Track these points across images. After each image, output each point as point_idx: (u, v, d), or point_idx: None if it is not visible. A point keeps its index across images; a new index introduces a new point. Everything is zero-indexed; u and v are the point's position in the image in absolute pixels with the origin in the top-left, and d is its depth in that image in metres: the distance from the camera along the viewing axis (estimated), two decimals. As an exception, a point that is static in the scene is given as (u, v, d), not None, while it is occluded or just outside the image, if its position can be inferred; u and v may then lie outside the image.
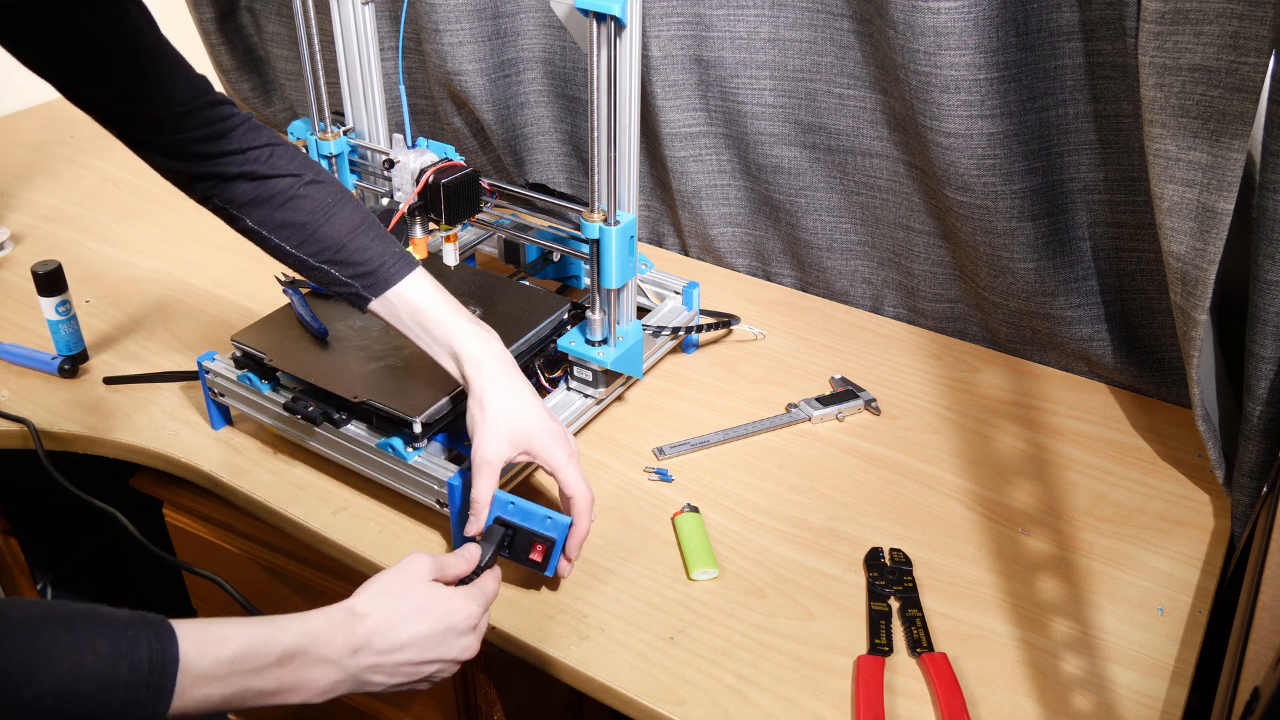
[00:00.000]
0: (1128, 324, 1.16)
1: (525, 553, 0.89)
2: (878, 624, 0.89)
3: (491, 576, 0.85)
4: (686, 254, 1.45)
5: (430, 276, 0.95)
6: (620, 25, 0.92)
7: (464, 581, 0.84)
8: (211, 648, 0.66)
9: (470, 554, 0.85)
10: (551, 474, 0.91)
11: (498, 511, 0.89)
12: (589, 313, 1.07)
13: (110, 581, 1.89)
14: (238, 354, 1.07)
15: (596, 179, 1.00)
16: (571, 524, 0.89)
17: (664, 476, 1.05)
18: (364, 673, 0.74)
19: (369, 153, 1.22)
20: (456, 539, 0.95)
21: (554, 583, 0.93)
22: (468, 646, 0.80)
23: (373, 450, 0.99)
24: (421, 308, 0.93)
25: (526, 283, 1.25)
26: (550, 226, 1.17)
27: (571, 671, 0.87)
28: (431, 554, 0.82)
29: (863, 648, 0.88)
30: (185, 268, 1.39)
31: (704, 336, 1.26)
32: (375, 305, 0.93)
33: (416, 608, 0.77)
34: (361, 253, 0.93)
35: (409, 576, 0.79)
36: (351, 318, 1.10)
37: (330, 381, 1.01)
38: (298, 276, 1.11)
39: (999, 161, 1.08)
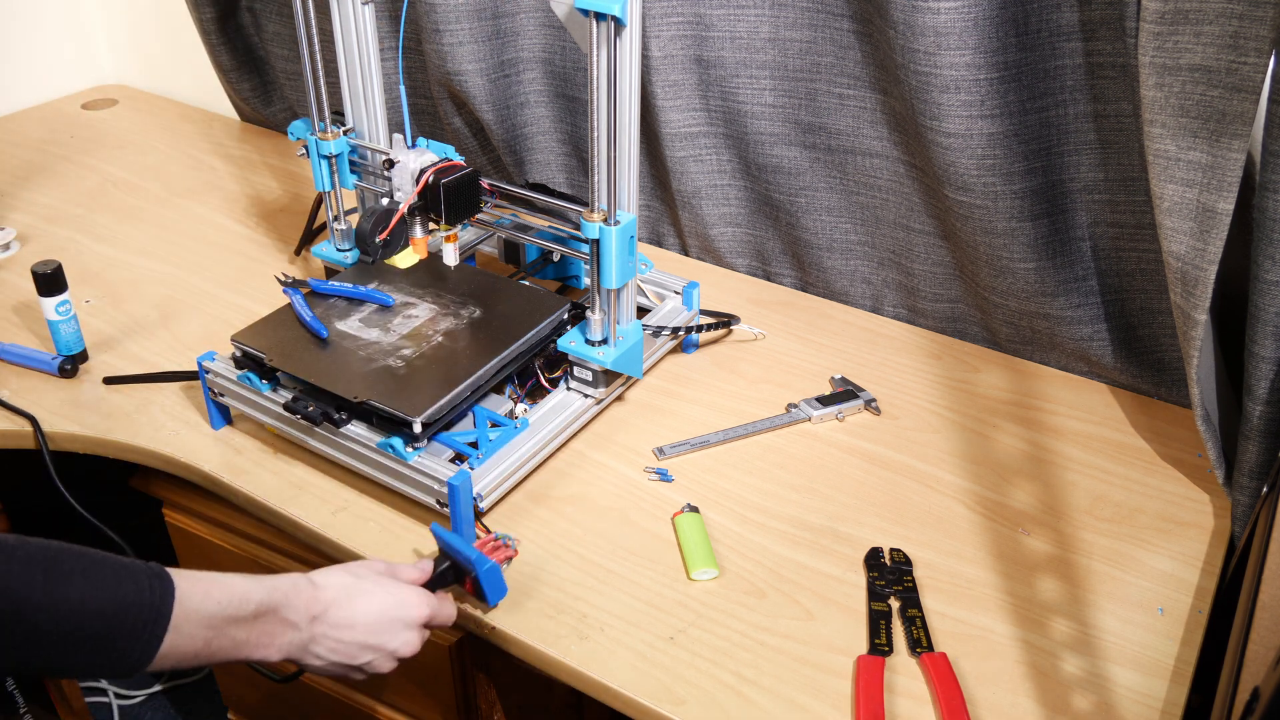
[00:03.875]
0: (1128, 324, 1.16)
1: (460, 582, 0.91)
2: (878, 624, 0.89)
3: (446, 599, 0.89)
4: (686, 254, 1.45)
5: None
6: (620, 25, 0.92)
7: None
8: (201, 587, 0.72)
9: (424, 566, 0.89)
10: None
11: (442, 542, 0.91)
12: (589, 313, 1.07)
13: (110, 581, 1.89)
14: (238, 354, 1.07)
15: (596, 179, 1.00)
16: (486, 569, 0.88)
17: (664, 476, 1.05)
18: (313, 642, 0.80)
19: (369, 153, 1.22)
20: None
21: (554, 583, 0.93)
22: (409, 641, 0.83)
23: (373, 450, 0.99)
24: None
25: (526, 283, 1.25)
26: (550, 226, 1.17)
27: (571, 671, 0.87)
28: (392, 564, 0.88)
29: (863, 648, 0.88)
30: (185, 268, 1.39)
31: (704, 336, 1.26)
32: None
33: (373, 588, 0.82)
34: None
35: (366, 566, 0.85)
36: (351, 318, 1.10)
37: (330, 381, 1.01)
38: (298, 276, 1.11)
39: (999, 161, 1.08)
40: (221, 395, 1.08)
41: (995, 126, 1.07)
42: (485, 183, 1.16)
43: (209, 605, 0.72)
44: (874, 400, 1.15)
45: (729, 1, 1.22)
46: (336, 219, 1.23)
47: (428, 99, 1.55)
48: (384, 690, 1.10)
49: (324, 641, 0.80)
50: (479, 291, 1.15)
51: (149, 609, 0.69)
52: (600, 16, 0.91)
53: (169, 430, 1.11)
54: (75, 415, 1.12)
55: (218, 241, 1.45)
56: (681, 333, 1.19)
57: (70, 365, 1.18)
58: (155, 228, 1.50)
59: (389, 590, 0.83)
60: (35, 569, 0.66)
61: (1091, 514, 1.02)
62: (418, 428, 0.96)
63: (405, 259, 1.19)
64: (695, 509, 1.01)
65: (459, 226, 1.19)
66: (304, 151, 1.20)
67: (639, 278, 1.24)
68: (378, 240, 1.17)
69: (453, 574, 0.90)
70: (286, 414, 1.02)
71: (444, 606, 0.87)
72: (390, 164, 1.15)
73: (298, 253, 1.41)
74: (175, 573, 0.72)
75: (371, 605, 0.81)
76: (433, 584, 0.89)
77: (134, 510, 1.22)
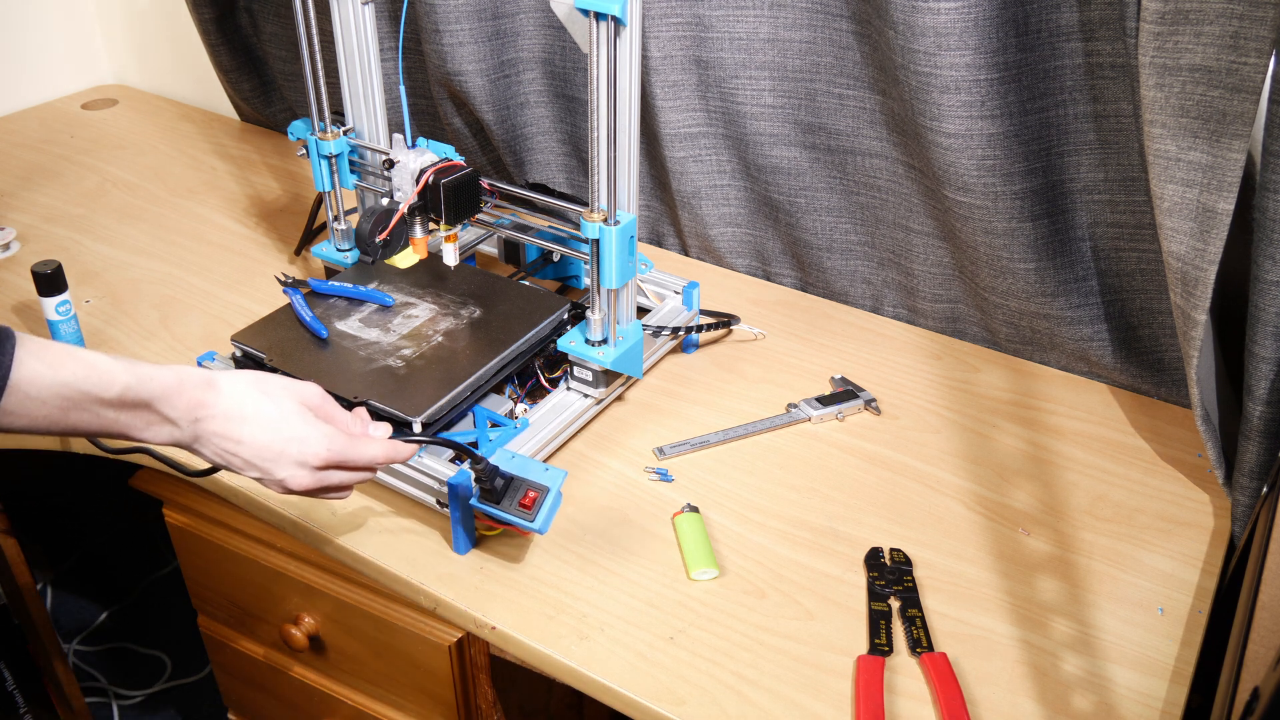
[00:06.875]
0: (1128, 324, 1.16)
1: (502, 502, 0.90)
2: (878, 624, 0.89)
3: (378, 446, 0.82)
4: (686, 254, 1.45)
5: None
6: (620, 25, 0.92)
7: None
8: (51, 355, 0.68)
9: (379, 431, 0.85)
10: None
11: (501, 459, 0.91)
12: (589, 313, 1.07)
13: (110, 581, 1.89)
14: (238, 354, 1.07)
15: (596, 179, 1.00)
16: (559, 488, 0.90)
17: (664, 476, 1.05)
18: (198, 441, 0.77)
19: (369, 153, 1.22)
20: (457, 540, 0.95)
21: (554, 583, 0.93)
22: (295, 477, 0.79)
23: (373, 450, 0.99)
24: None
25: (526, 283, 1.25)
26: (550, 226, 1.17)
27: (571, 671, 0.87)
28: (329, 398, 0.82)
29: (863, 648, 0.88)
30: (185, 268, 1.39)
31: (704, 336, 1.26)
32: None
33: (270, 416, 0.77)
34: None
35: (288, 389, 0.80)
36: (351, 318, 1.10)
37: (330, 381, 1.01)
38: (298, 276, 1.11)
39: (999, 162, 1.08)
40: (221, 395, 1.08)
41: (995, 127, 1.07)
42: (485, 183, 1.16)
43: (61, 374, 0.68)
44: (874, 400, 1.15)
45: (728, 2, 1.22)
46: (336, 219, 1.23)
47: (428, 99, 1.55)
48: (384, 690, 1.10)
49: (209, 445, 0.77)
50: (479, 291, 1.15)
51: None
52: (600, 16, 0.91)
53: (169, 430, 1.11)
54: (75, 415, 1.12)
55: (218, 241, 1.45)
56: (681, 333, 1.19)
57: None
58: (155, 228, 1.50)
59: (291, 424, 0.77)
60: None
61: (1091, 514, 1.02)
62: (417, 428, 0.96)
63: (405, 259, 1.19)
64: (695, 509, 1.01)
65: (459, 226, 1.19)
66: (304, 151, 1.20)
67: (639, 278, 1.24)
68: (378, 240, 1.17)
69: (503, 490, 0.90)
70: (286, 414, 1.02)
71: (362, 448, 0.81)
72: (390, 164, 1.15)
73: (298, 253, 1.41)
74: (25, 337, 0.68)
75: (263, 432, 0.76)
76: (483, 497, 0.89)
77: (134, 510, 1.22)
